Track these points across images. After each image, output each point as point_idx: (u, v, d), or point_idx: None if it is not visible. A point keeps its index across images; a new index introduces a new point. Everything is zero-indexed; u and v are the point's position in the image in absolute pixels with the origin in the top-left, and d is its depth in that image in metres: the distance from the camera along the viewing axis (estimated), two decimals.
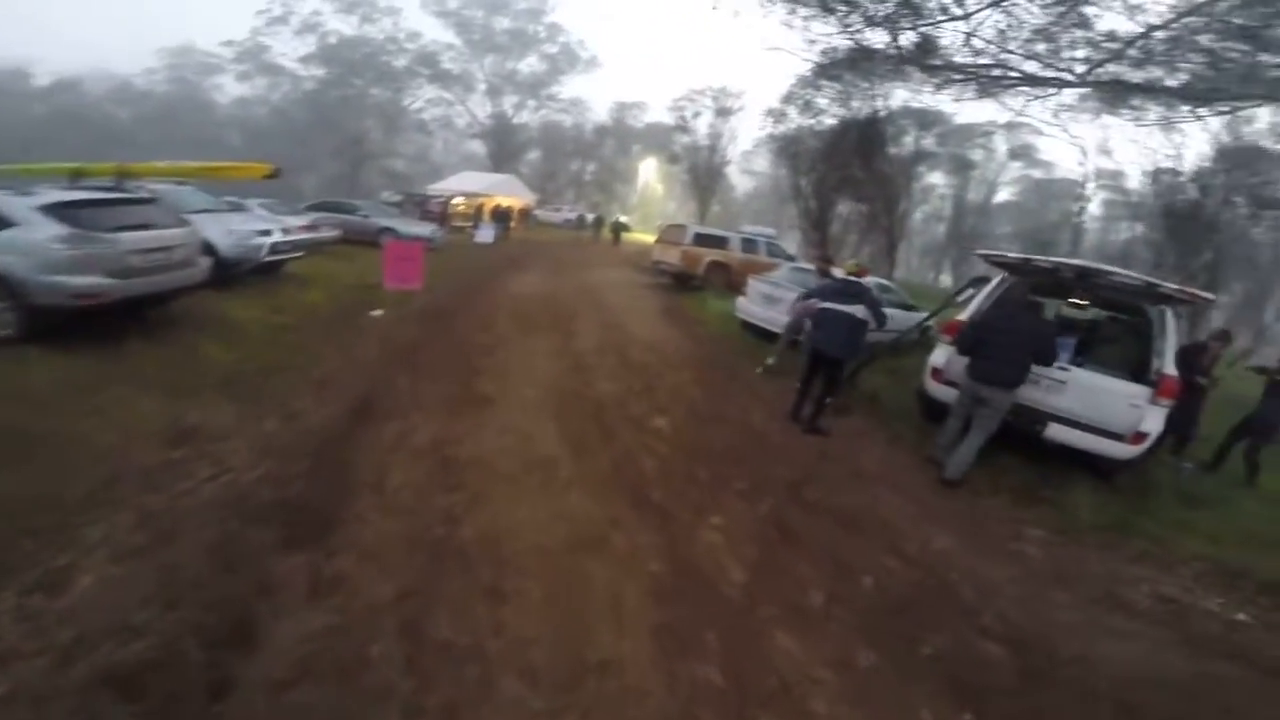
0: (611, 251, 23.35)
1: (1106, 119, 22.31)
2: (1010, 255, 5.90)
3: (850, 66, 18.05)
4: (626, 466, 4.63)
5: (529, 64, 47.57)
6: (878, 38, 10.54)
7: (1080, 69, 12.89)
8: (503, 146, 45.99)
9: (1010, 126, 28.94)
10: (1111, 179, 40.70)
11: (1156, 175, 16.93)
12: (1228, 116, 16.63)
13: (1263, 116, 17.16)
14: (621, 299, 11.86)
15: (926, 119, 20.79)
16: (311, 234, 12.05)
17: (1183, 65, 11.95)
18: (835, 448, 5.51)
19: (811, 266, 9.74)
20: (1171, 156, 22.23)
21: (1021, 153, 33.89)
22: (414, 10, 45.08)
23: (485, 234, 19.92)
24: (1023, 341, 4.76)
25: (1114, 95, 15.78)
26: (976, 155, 32.83)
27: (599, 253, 22.29)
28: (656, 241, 14.66)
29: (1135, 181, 31.31)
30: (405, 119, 47.32)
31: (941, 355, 6.06)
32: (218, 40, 45.02)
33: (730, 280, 13.94)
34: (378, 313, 7.90)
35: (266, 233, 8.85)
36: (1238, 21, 10.24)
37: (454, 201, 24.63)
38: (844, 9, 9.83)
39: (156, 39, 51.15)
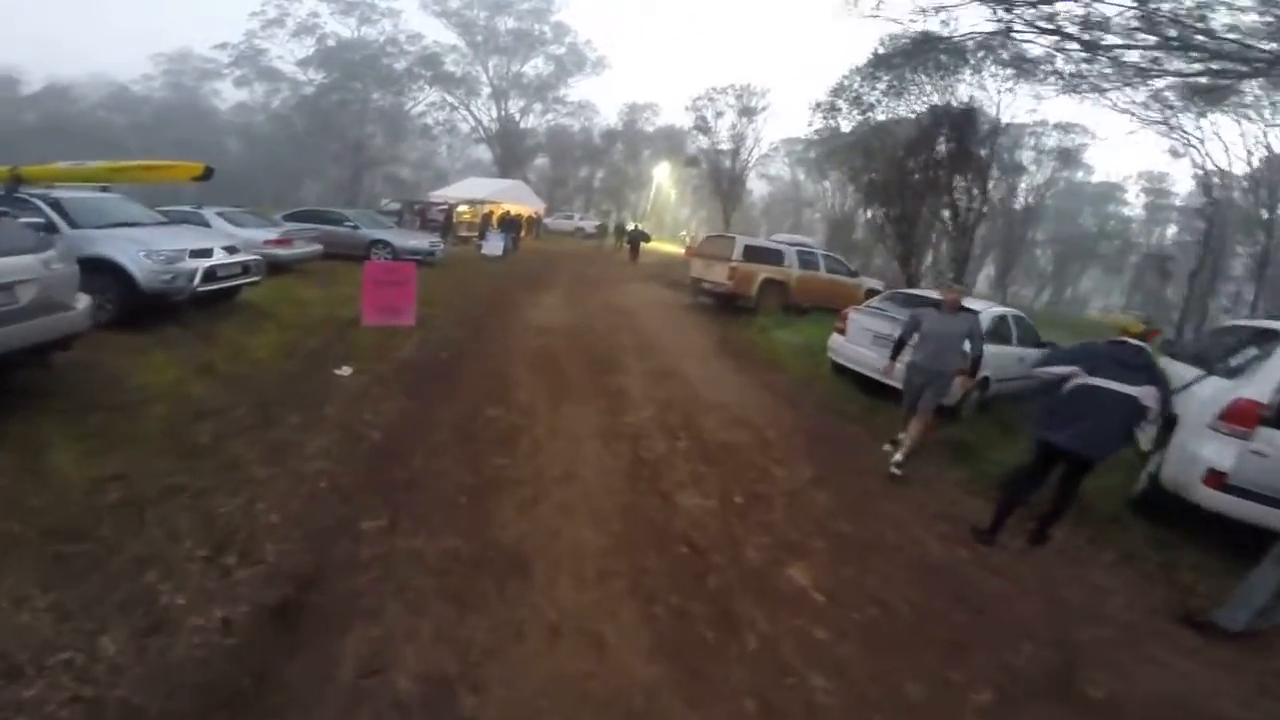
0: (631, 264, 20.95)
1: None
2: None
3: (915, 56, 15.91)
4: (785, 702, 2.44)
5: (535, 66, 45.51)
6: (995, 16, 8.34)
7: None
8: (509, 152, 43.86)
9: (1064, 128, 26.77)
10: (1157, 180, 38.65)
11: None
12: None
13: None
14: (664, 329, 9.57)
15: (980, 118, 18.53)
16: (282, 250, 9.86)
17: None
18: (1064, 583, 3.61)
19: (932, 294, 7.46)
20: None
21: (1073, 155, 31.50)
22: (414, 11, 43.27)
23: (494, 245, 17.64)
24: None
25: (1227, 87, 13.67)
26: (1025, 158, 30.43)
27: (620, 265, 20.04)
28: (695, 255, 12.38)
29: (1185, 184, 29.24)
30: (408, 124, 45.37)
31: (1226, 452, 3.93)
32: (211, 44, 43.14)
33: (787, 301, 11.73)
34: (346, 370, 5.58)
35: (204, 253, 6.58)
36: None
37: (458, 209, 22.33)
38: None
39: (156, 45, 49.72)
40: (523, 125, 45.79)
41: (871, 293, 13.80)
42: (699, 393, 6.47)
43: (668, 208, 54.79)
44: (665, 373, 7.03)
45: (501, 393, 5.55)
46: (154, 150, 43.37)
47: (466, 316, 8.56)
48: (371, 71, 42.12)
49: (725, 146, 31.67)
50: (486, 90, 44.98)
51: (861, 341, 6.89)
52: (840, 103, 17.85)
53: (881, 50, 16.35)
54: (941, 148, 10.59)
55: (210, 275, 6.58)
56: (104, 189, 7.32)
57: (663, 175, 46.64)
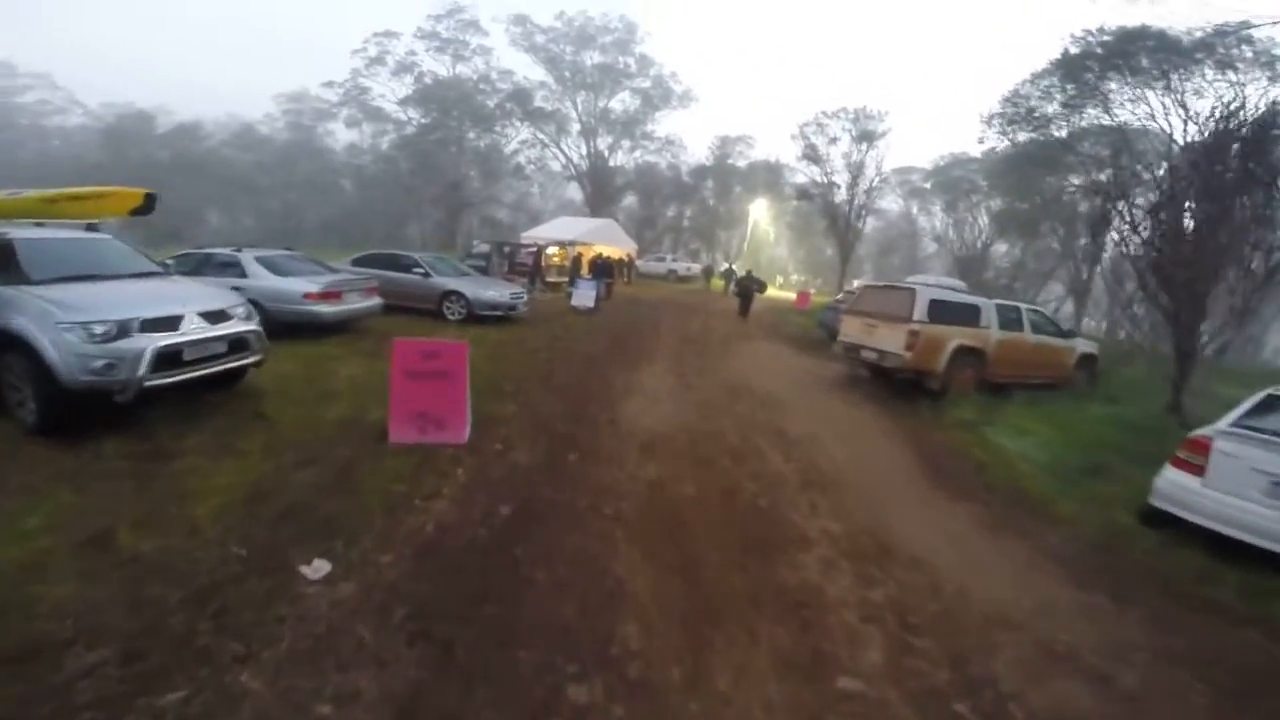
0: (740, 319, 16.98)
1: None
2: None
3: (1111, 58, 12.58)
4: None
5: (621, 100, 44.53)
6: None
7: None
8: (599, 190, 42.79)
9: None
10: None
11: None
12: None
13: None
14: (823, 431, 6.50)
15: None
16: (325, 306, 7.85)
17: None
18: None
19: None
20: None
21: None
22: (504, 48, 43.54)
23: (585, 294, 15.22)
24: None
25: None
26: None
27: (726, 316, 17.10)
28: (850, 313, 9.26)
29: None
30: (503, 164, 45.53)
31: None
32: (320, 82, 45.01)
33: (983, 376, 8.43)
34: (319, 569, 2.99)
35: (163, 324, 4.38)
36: None
37: (548, 252, 20.51)
38: None
39: (280, 84, 53.09)
40: (611, 163, 44.74)
41: (1087, 358, 10.13)
42: (950, 587, 3.45)
43: (764, 247, 51.65)
44: (870, 539, 4.03)
45: (597, 631, 2.78)
46: (279, 190, 46.45)
47: (543, 418, 5.81)
48: (467, 109, 42.60)
49: (839, 178, 28.15)
50: (576, 127, 44.46)
51: (1245, 490, 3.65)
52: (1017, 113, 14.53)
53: (1074, 50, 13.04)
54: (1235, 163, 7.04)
55: (169, 359, 4.34)
56: (91, 226, 5.48)
57: (759, 212, 43.74)
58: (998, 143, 16.92)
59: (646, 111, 44.50)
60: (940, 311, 8.05)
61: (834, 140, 27.74)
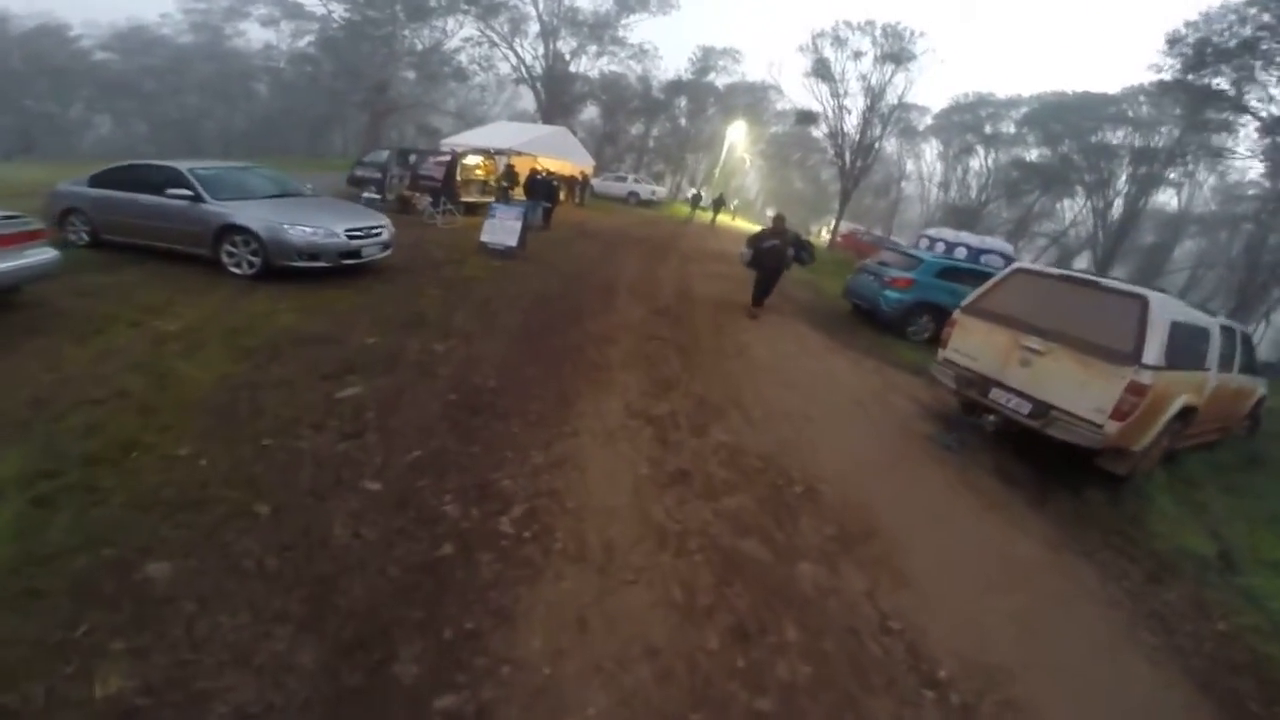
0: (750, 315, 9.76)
1: None
2: None
3: None
4: None
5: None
6: None
7: None
8: (555, 98, 36.30)
9: None
10: None
11: None
12: None
13: None
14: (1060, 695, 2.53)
15: None
16: None
17: None
18: None
19: None
20: None
21: None
22: None
23: (503, 227, 9.73)
24: None
25: None
26: None
27: (707, 261, 12.55)
28: (981, 315, 4.96)
29: None
30: (443, 65, 38.26)
31: None
32: None
33: (1173, 445, 4.69)
34: None
35: None
36: None
37: (465, 162, 14.65)
38: None
39: None
40: (573, 68, 38.03)
41: (1259, 404, 6.59)
42: None
43: (735, 174, 46.68)
44: None
45: None
46: (171, 96, 38.66)
47: None
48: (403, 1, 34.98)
49: (852, 102, 22.70)
50: (535, 27, 37.23)
51: None
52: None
53: None
54: None
55: None
56: None
57: (737, 136, 38.31)
58: (1170, 74, 13.10)
59: (621, 13, 37.47)
60: (1177, 345, 4.04)
61: (857, 55, 22.26)
